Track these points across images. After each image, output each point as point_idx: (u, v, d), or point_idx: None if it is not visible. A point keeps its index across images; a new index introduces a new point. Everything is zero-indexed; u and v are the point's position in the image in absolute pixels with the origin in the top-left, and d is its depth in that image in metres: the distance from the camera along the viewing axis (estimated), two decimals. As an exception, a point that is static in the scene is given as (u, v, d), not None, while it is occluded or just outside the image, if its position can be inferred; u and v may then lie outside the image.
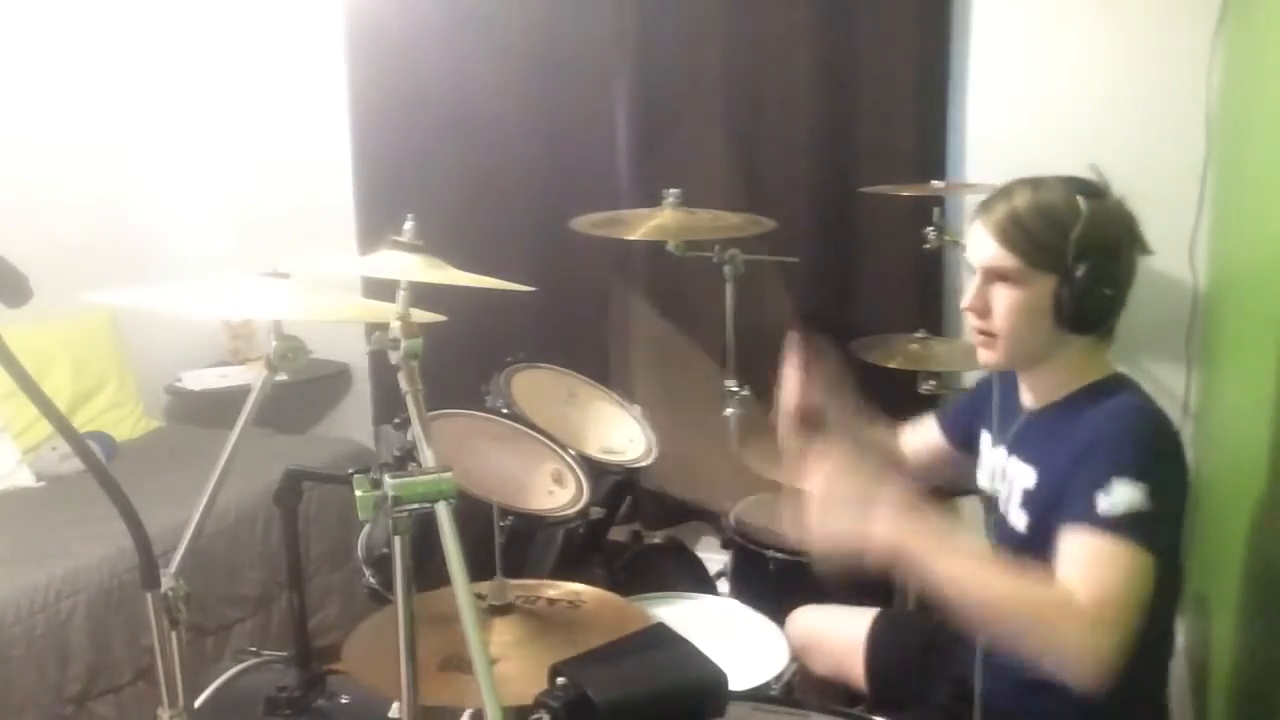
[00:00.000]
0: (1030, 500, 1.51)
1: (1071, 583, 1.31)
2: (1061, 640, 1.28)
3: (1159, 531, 1.34)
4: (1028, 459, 1.54)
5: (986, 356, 1.52)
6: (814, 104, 2.83)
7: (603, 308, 3.13)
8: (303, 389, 3.48)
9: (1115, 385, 1.49)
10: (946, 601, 1.31)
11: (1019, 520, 1.53)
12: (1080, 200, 1.42)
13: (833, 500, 1.36)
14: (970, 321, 1.53)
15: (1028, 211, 1.44)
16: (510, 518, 1.91)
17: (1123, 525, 1.31)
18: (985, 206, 1.49)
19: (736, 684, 1.43)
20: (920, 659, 1.75)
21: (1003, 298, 1.47)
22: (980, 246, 1.48)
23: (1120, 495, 1.32)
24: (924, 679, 1.71)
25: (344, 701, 1.74)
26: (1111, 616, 1.28)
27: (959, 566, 1.32)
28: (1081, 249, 1.40)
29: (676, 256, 2.53)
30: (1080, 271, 1.40)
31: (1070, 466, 1.41)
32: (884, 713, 1.69)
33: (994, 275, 1.47)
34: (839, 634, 1.87)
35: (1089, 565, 1.31)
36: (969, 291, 1.51)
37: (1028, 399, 1.58)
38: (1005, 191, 1.48)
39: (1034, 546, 1.43)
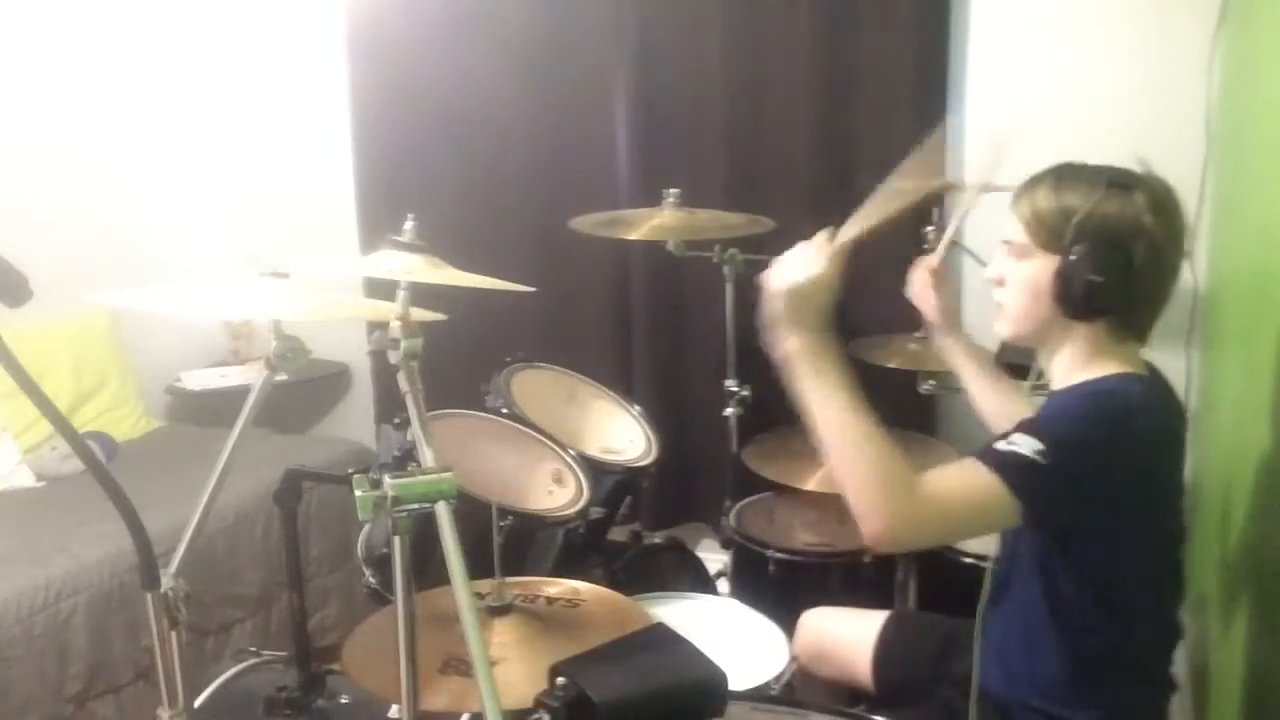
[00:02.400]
0: None
1: (938, 473, 1.36)
2: (881, 500, 1.33)
3: (1038, 486, 1.32)
4: None
5: (997, 326, 1.55)
6: (814, 104, 2.83)
7: (602, 308, 3.14)
8: (303, 389, 3.47)
9: (1104, 380, 1.44)
10: (811, 419, 1.37)
11: None
12: (1100, 188, 1.41)
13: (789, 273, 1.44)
14: (992, 291, 1.55)
15: (1046, 190, 1.45)
16: (510, 518, 1.91)
17: (998, 459, 1.33)
18: (1024, 183, 1.51)
19: (736, 684, 1.43)
20: (931, 658, 1.75)
21: (1011, 270, 1.49)
22: (1007, 219, 1.50)
23: (1015, 441, 1.34)
24: (932, 677, 1.72)
25: (344, 701, 1.74)
26: (932, 511, 1.35)
27: (839, 399, 1.37)
28: (1080, 233, 1.40)
29: (676, 256, 2.53)
30: (1074, 254, 1.40)
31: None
32: (886, 709, 1.70)
33: (1008, 248, 1.50)
34: (849, 638, 1.87)
35: (950, 471, 1.37)
36: (993, 262, 1.54)
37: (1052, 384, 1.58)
38: (1046, 171, 1.49)
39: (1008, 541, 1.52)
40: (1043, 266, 1.44)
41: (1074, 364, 1.48)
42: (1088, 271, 1.39)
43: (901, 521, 1.33)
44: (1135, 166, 1.46)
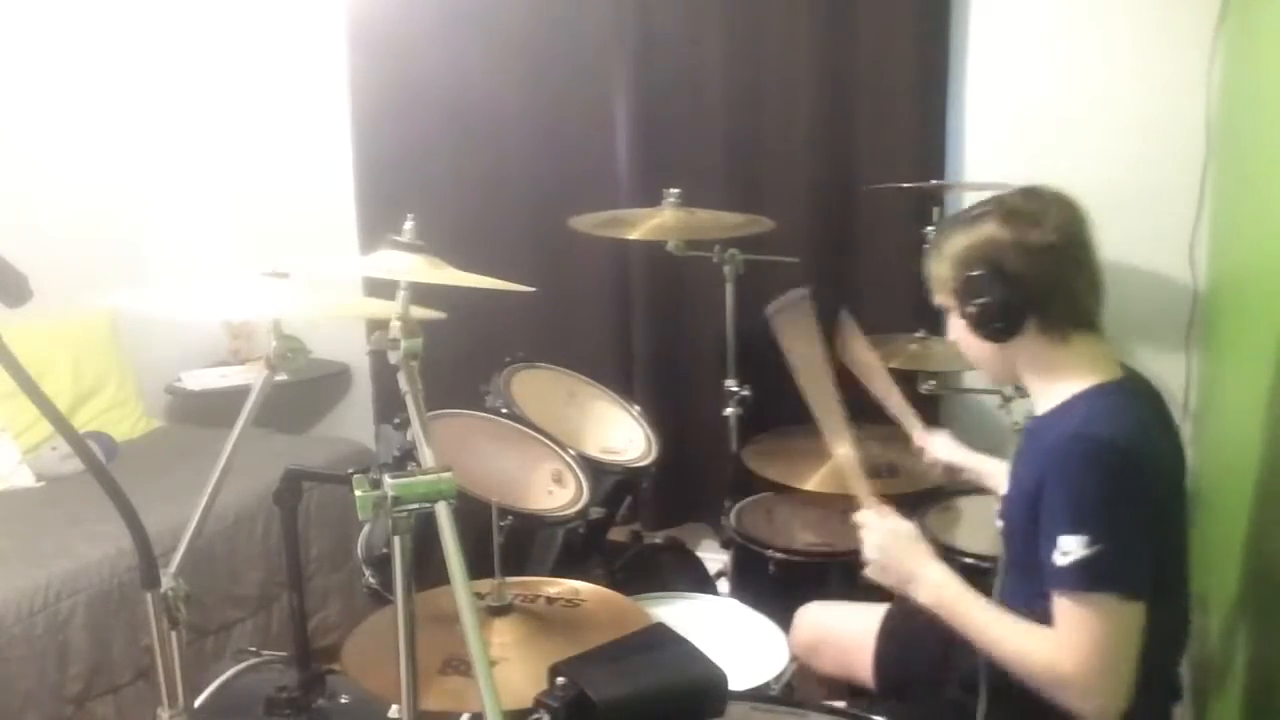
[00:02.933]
0: (1003, 506, 1.59)
1: (1059, 642, 1.41)
2: (1060, 699, 1.42)
3: (1116, 568, 1.38)
4: (1012, 468, 1.62)
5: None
6: (814, 104, 2.83)
7: (602, 308, 3.14)
8: (303, 389, 3.47)
9: (1077, 404, 1.51)
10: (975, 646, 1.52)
11: (1001, 522, 1.61)
12: (961, 228, 1.56)
13: (881, 557, 1.62)
14: None
15: (932, 252, 1.62)
16: (510, 518, 1.91)
17: (1078, 580, 1.39)
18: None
19: (736, 684, 1.43)
20: (936, 651, 1.75)
21: (952, 328, 1.64)
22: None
23: (1066, 550, 1.39)
24: (936, 670, 1.71)
25: (344, 701, 1.74)
26: (1094, 679, 1.39)
27: (977, 626, 1.51)
28: (959, 272, 1.55)
29: (676, 256, 2.53)
30: (961, 293, 1.55)
31: (1026, 502, 1.48)
32: (889, 704, 1.70)
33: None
34: (848, 631, 1.86)
35: (1065, 628, 1.41)
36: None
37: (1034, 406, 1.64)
38: (933, 235, 1.66)
39: (1008, 547, 1.56)
40: (957, 310, 1.59)
41: (1037, 381, 1.57)
42: (973, 300, 1.53)
43: (1083, 704, 1.41)
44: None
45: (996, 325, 1.53)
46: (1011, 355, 1.57)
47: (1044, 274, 1.50)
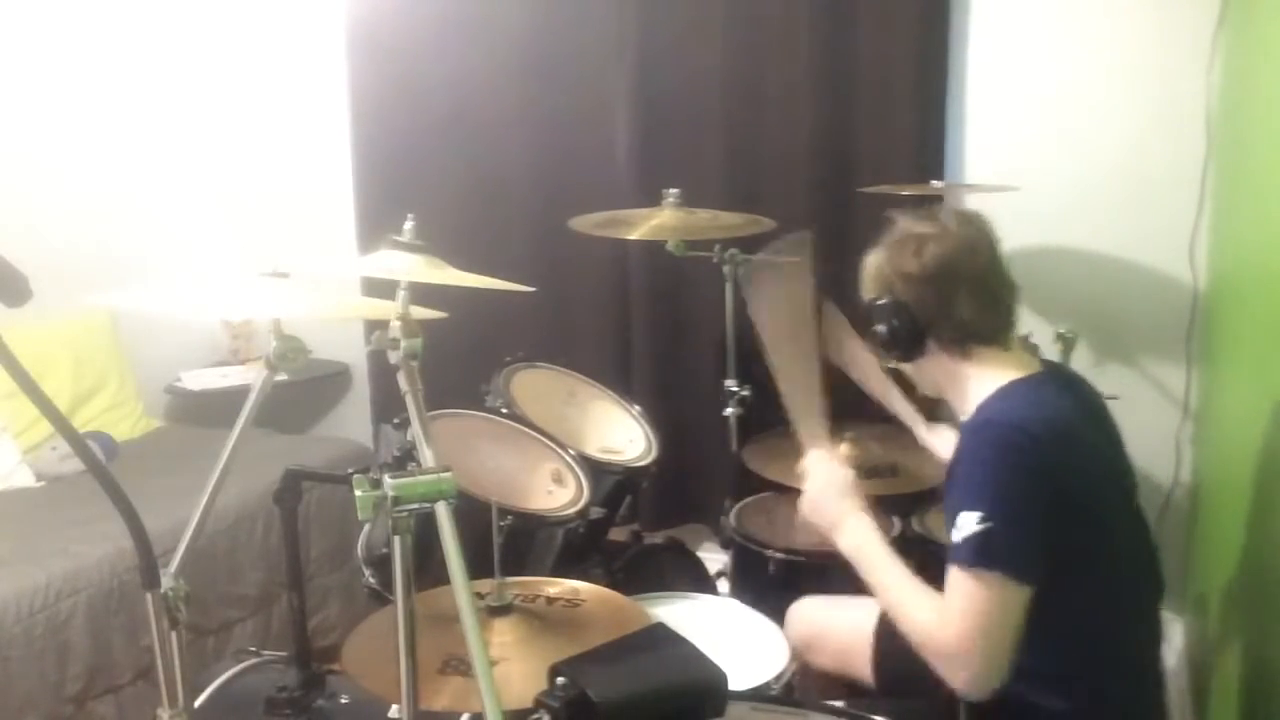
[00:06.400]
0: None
1: (942, 611, 1.47)
2: (935, 666, 1.47)
3: (1004, 546, 1.41)
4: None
5: None
6: (814, 104, 2.83)
7: (602, 308, 3.14)
8: (303, 389, 3.47)
9: (994, 398, 1.55)
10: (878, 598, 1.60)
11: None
12: (873, 246, 1.65)
13: (816, 497, 1.71)
14: None
15: None
16: (510, 517, 1.91)
17: (966, 555, 1.43)
18: None
19: (736, 684, 1.43)
20: None
21: None
22: None
23: (960, 525, 1.44)
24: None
25: (344, 701, 1.74)
26: (967, 651, 1.44)
27: (880, 583, 1.58)
28: (863, 291, 1.66)
29: (676, 256, 2.53)
30: (866, 314, 1.65)
31: (948, 490, 1.54)
32: (890, 700, 1.70)
33: None
34: (843, 625, 1.86)
35: (950, 600, 1.46)
36: None
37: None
38: None
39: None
40: None
41: (952, 390, 1.64)
42: (873, 326, 1.64)
43: (953, 670, 1.45)
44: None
45: (896, 351, 1.63)
46: (923, 371, 1.66)
47: (924, 302, 1.58)
